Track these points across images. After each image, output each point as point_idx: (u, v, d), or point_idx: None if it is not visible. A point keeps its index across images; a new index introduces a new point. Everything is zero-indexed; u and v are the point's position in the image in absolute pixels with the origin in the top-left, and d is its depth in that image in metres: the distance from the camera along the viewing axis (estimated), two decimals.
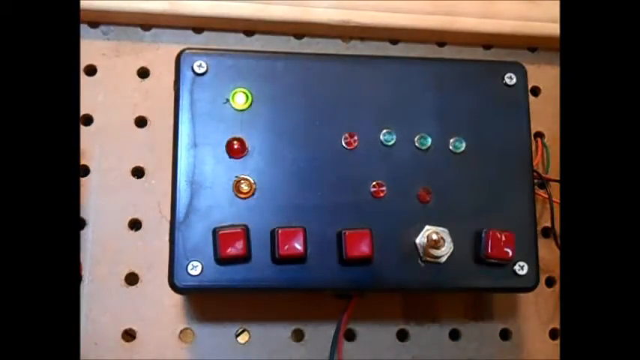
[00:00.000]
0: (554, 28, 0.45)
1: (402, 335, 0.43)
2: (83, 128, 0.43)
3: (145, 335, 0.41)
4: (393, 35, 0.46)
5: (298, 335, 0.42)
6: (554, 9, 0.45)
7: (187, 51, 0.38)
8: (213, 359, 0.41)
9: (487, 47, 0.47)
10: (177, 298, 0.41)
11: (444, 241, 0.37)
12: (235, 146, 0.37)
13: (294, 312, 0.42)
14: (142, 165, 0.43)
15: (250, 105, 0.38)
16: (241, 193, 0.37)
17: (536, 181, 0.41)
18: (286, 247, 0.36)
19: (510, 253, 0.38)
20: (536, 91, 0.47)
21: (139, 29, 0.44)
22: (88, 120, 0.43)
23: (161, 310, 0.41)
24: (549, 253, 0.45)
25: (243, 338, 0.42)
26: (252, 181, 0.37)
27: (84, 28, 0.44)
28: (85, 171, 0.42)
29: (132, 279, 0.42)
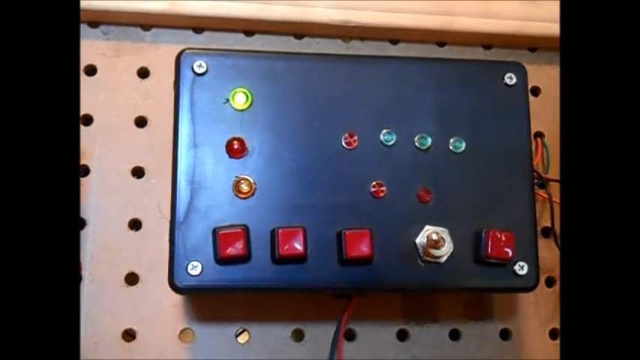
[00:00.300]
0: (554, 29, 0.45)
1: (402, 335, 0.43)
2: (83, 128, 0.43)
3: (145, 335, 0.41)
4: (393, 35, 0.46)
5: (298, 335, 0.42)
6: (555, 9, 0.45)
7: (187, 51, 0.38)
8: (213, 359, 0.41)
9: (487, 47, 0.47)
10: (177, 298, 0.41)
11: (444, 241, 0.37)
12: (235, 146, 0.37)
13: (294, 312, 0.42)
14: (141, 165, 0.43)
15: (250, 105, 0.38)
16: (241, 193, 0.37)
17: (536, 181, 0.41)
18: (286, 247, 0.36)
19: (510, 253, 0.38)
20: (536, 91, 0.47)
21: (139, 29, 0.44)
22: (88, 120, 0.43)
23: (161, 310, 0.41)
24: (549, 253, 0.45)
25: (243, 338, 0.42)
26: (252, 181, 0.37)
27: (84, 28, 0.44)
28: (85, 171, 0.42)
29: (132, 279, 0.42)
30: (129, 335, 0.41)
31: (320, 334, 0.42)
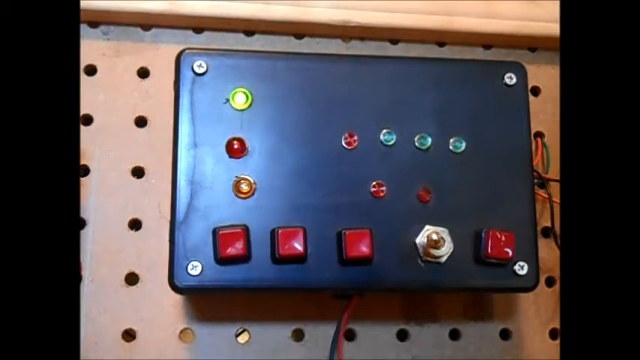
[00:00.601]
0: (554, 28, 0.45)
1: (402, 335, 0.43)
2: (83, 128, 0.43)
3: (145, 335, 0.41)
4: (393, 35, 0.46)
5: (298, 335, 0.42)
6: (555, 9, 0.45)
7: (187, 51, 0.38)
8: (213, 359, 0.41)
9: (487, 47, 0.47)
10: (177, 298, 0.41)
11: (444, 241, 0.37)
12: (235, 146, 0.37)
13: (294, 312, 0.42)
14: (141, 165, 0.43)
15: (250, 105, 0.38)
16: (241, 193, 0.37)
17: (536, 180, 0.41)
18: (286, 246, 0.36)
19: (510, 253, 0.38)
20: (536, 91, 0.47)
21: (139, 29, 0.44)
22: (88, 120, 0.43)
23: (161, 310, 0.41)
24: (549, 253, 0.45)
25: (243, 338, 0.42)
26: (252, 181, 0.37)
27: (84, 28, 0.44)
28: (85, 171, 0.42)
29: (132, 279, 0.42)
30: (129, 335, 0.41)
31: (320, 334, 0.42)
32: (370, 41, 0.46)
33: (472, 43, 0.47)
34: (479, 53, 0.47)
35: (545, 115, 0.47)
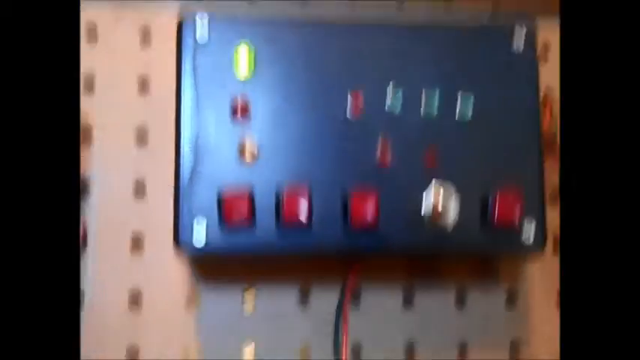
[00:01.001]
0: None
1: (408, 300, 0.43)
2: (85, 95, 0.42)
3: (151, 300, 0.41)
4: None
5: (304, 300, 0.43)
6: None
7: (190, 16, 0.37)
8: (219, 323, 0.42)
9: (496, 9, 0.47)
10: (183, 264, 0.42)
11: (450, 204, 0.37)
12: (239, 110, 0.37)
13: (300, 276, 0.42)
14: (146, 130, 0.42)
15: (254, 69, 0.37)
16: (246, 157, 0.37)
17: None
18: (291, 211, 0.36)
19: (518, 217, 0.37)
20: (545, 53, 0.46)
21: None
22: (90, 86, 0.42)
23: (167, 276, 0.42)
24: (557, 217, 0.45)
25: (249, 303, 0.42)
26: (257, 146, 0.37)
27: None
28: (89, 138, 0.42)
29: (137, 244, 0.42)
30: (135, 301, 0.41)
31: (325, 298, 0.42)
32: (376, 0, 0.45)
33: (481, 5, 0.46)
34: (487, 15, 0.46)
35: (554, 75, 0.46)
